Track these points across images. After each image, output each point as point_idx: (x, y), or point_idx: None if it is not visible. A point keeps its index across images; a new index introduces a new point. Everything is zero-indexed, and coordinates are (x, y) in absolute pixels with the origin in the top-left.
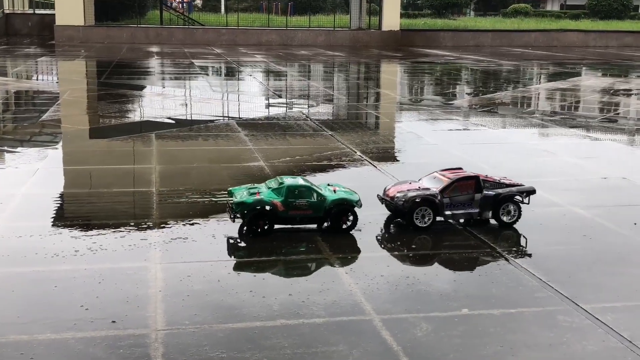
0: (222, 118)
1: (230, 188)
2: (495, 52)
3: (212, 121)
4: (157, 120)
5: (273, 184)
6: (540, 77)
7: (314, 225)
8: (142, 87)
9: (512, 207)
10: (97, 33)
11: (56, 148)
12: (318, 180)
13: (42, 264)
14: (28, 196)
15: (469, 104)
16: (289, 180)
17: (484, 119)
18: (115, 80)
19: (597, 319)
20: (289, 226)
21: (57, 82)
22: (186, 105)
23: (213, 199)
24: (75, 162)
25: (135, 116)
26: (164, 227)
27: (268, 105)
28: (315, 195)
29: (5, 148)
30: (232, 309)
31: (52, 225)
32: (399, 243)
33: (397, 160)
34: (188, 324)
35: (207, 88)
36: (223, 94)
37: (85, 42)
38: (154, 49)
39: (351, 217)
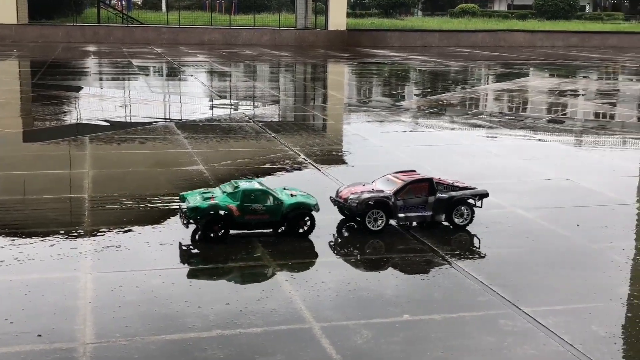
0: (161, 120)
1: (183, 193)
2: (443, 52)
3: (150, 123)
4: (93, 122)
5: (228, 188)
6: (487, 77)
7: (270, 230)
8: (78, 88)
9: (465, 209)
10: (30, 32)
11: None
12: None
13: None
14: None
15: (416, 105)
16: (244, 184)
17: (431, 120)
18: (49, 81)
19: (539, 322)
20: (245, 231)
21: None
22: (124, 106)
23: (149, 204)
24: (5, 167)
25: (70, 119)
26: (95, 235)
27: (210, 107)
28: (271, 199)
29: None
30: (166, 319)
31: None
32: (345, 248)
33: (343, 163)
34: (119, 337)
35: (146, 89)
36: (163, 95)
37: (18, 42)
38: (91, 48)
39: (309, 222)
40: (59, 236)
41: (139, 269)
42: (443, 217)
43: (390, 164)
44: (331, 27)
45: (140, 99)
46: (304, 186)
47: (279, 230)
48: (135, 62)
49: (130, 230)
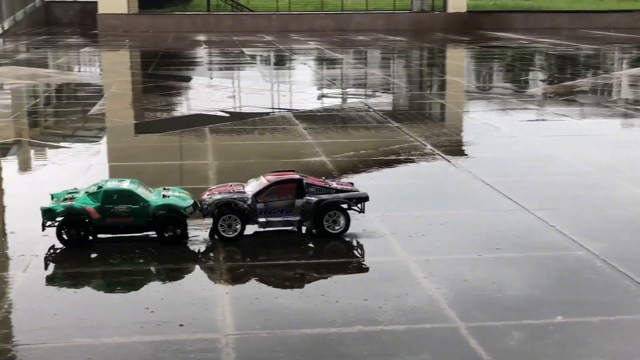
0: (278, 110)
1: (52, 192)
2: (573, 35)
3: (267, 113)
4: (210, 113)
5: (93, 188)
6: (623, 62)
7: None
8: (191, 79)
9: (338, 215)
10: (141, 21)
11: (107, 143)
12: (394, 176)
13: (105, 265)
14: None
15: (545, 92)
16: (108, 184)
17: (563, 108)
18: (163, 72)
19: None
20: (115, 235)
21: (102, 74)
22: (239, 97)
23: None
24: (128, 158)
25: (186, 109)
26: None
27: (326, 96)
28: (137, 200)
29: (56, 144)
30: (305, 313)
31: None
32: (483, 245)
33: (474, 154)
34: (259, 329)
35: (260, 78)
36: (277, 84)
37: (129, 32)
38: (202, 37)
39: (181, 226)
40: (190, 227)
41: (270, 260)
42: (311, 223)
43: (525, 155)
44: (450, 9)
45: (254, 88)
46: (434, 179)
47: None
48: (247, 50)
49: None
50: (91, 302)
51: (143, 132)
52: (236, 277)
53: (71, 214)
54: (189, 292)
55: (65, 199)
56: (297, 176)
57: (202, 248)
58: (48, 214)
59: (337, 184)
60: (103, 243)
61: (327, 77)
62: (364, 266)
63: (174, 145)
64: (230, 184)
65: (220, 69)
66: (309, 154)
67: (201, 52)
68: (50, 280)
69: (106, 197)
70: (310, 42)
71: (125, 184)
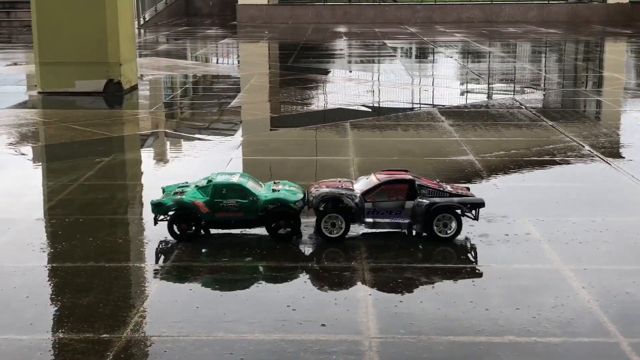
0: (422, 105)
1: (163, 185)
2: None
3: (410, 109)
4: (351, 107)
5: (203, 182)
6: None
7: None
8: (331, 72)
9: (449, 219)
10: (280, 12)
11: (246, 137)
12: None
13: (238, 260)
14: None
15: None
16: (218, 178)
17: None
18: (303, 64)
19: None
20: (226, 231)
21: (241, 66)
22: (381, 91)
23: None
24: (269, 152)
25: (326, 103)
26: None
27: (472, 91)
28: (247, 195)
29: (194, 136)
30: (451, 320)
31: None
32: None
33: (637, 157)
34: (404, 333)
35: (403, 72)
36: (420, 78)
37: (268, 23)
38: (342, 29)
39: (292, 221)
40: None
41: (413, 262)
42: (420, 226)
43: None
44: (611, 0)
45: (397, 82)
46: (590, 181)
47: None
48: (389, 43)
49: None
50: (231, 297)
51: (282, 125)
52: (378, 279)
53: (181, 208)
54: (329, 291)
55: (175, 193)
56: (409, 177)
57: (325, 246)
58: (158, 207)
59: (452, 187)
60: (223, 237)
61: (474, 71)
62: (515, 273)
63: (313, 140)
64: (339, 179)
65: (361, 62)
66: (456, 152)
67: (341, 44)
68: (189, 272)
69: (215, 191)
70: (456, 34)
71: (235, 178)
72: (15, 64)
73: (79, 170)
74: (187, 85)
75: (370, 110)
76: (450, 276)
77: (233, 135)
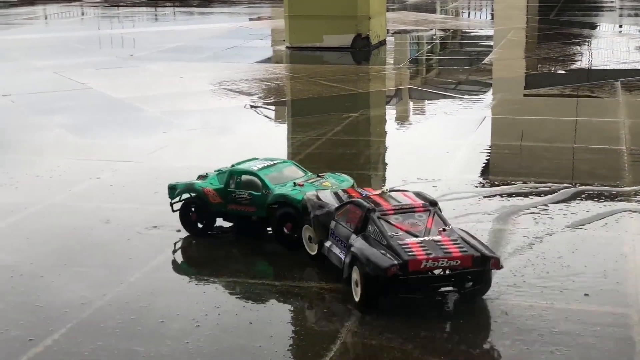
0: None
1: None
2: None
3: None
4: (621, 66)
5: (229, 166)
6: None
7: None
8: (599, 26)
9: None
10: None
11: (501, 95)
12: None
13: None
14: (474, 146)
15: None
16: (242, 165)
17: None
18: (566, 18)
19: None
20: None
21: (495, 20)
22: None
23: None
24: (525, 112)
25: (592, 60)
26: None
27: None
28: (260, 186)
29: (445, 93)
30: None
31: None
32: None
33: None
34: None
35: None
36: None
37: None
38: None
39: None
40: (597, 190)
41: None
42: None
43: None
44: None
45: None
46: None
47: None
48: None
49: None
50: None
51: (540, 84)
52: None
53: (190, 194)
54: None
55: (199, 177)
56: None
57: None
58: (171, 191)
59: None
60: None
61: None
62: None
63: (576, 101)
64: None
65: (635, 15)
66: None
67: None
68: None
69: (230, 179)
70: None
71: (258, 165)
72: (260, 18)
73: (327, 125)
74: (436, 41)
75: None
76: None
77: (485, 93)
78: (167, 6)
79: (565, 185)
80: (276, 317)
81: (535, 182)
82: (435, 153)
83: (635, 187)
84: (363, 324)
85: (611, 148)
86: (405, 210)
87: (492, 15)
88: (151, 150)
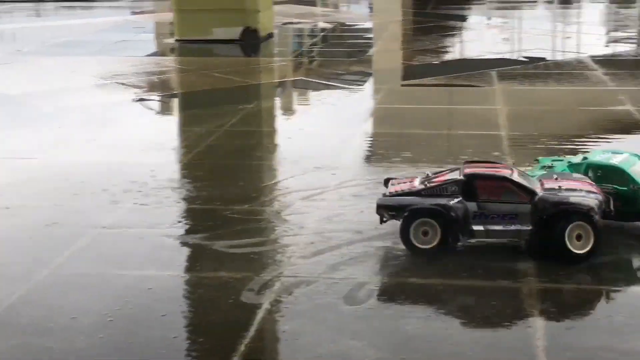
0: (570, 53)
1: (539, 157)
2: None
3: (560, 57)
4: (495, 56)
5: (577, 158)
6: None
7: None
8: (473, 19)
9: None
10: None
11: (382, 85)
12: None
13: None
14: (363, 135)
15: None
16: (596, 157)
17: None
18: (443, 11)
19: None
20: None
21: (375, 13)
22: (525, 39)
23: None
24: (405, 101)
25: (468, 51)
26: None
27: (628, 39)
28: (627, 181)
29: (330, 84)
30: None
31: None
32: None
33: None
34: None
35: (546, 19)
36: (566, 25)
37: None
38: None
39: None
40: None
41: None
42: None
43: None
44: None
45: (542, 29)
46: None
47: None
48: None
49: None
50: None
51: (420, 74)
52: None
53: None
54: None
55: (543, 167)
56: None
57: None
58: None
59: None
60: None
61: (626, 17)
62: None
63: (455, 89)
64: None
65: (504, 9)
66: (611, 102)
67: None
68: None
69: (588, 172)
70: None
71: (618, 159)
72: (143, 12)
73: (224, 116)
74: (321, 33)
75: (517, 59)
76: None
77: (366, 84)
78: (47, 1)
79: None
80: (188, 308)
81: (425, 167)
82: (328, 142)
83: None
84: (273, 312)
85: (492, 134)
86: None
87: (371, 8)
88: (49, 146)
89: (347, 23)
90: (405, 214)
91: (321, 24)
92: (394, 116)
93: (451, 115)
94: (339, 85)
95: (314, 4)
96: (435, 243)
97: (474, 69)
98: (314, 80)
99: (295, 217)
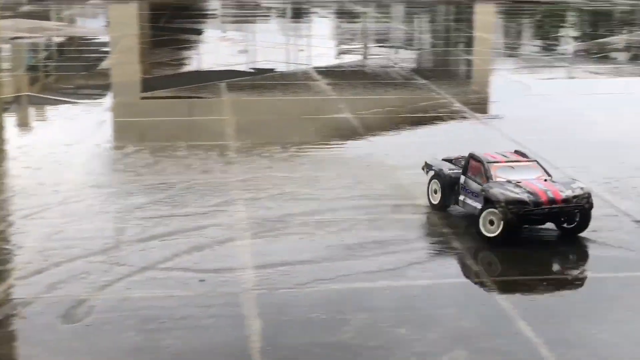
0: (297, 65)
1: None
2: None
3: (286, 69)
4: (226, 68)
5: None
6: None
7: None
8: (206, 32)
9: None
10: None
11: (120, 99)
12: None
13: None
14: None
15: (578, 49)
16: None
17: (597, 66)
18: (177, 25)
19: None
20: None
21: (110, 27)
22: (255, 51)
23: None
24: (142, 114)
25: (202, 64)
26: None
27: (348, 52)
28: None
29: (64, 99)
30: None
31: None
32: None
33: (503, 113)
34: None
35: (277, 32)
36: (296, 38)
37: None
38: None
39: None
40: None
41: None
42: None
43: (556, 113)
44: None
45: (272, 42)
46: (464, 137)
47: None
48: (264, 3)
49: None
50: None
51: (155, 87)
52: None
53: None
54: None
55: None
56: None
57: None
58: None
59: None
60: None
61: (351, 31)
62: None
63: (189, 101)
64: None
65: (237, 22)
66: (333, 110)
67: (215, 5)
68: None
69: None
70: None
71: None
72: None
73: None
74: (53, 48)
75: (246, 70)
76: None
77: (104, 97)
78: None
79: (181, 180)
80: None
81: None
82: (59, 158)
83: (241, 177)
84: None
85: (219, 144)
86: None
87: (107, 22)
88: None
89: (84, 37)
90: None
91: (55, 39)
92: (130, 129)
93: (179, 127)
94: (72, 100)
95: (47, 19)
96: None
97: (205, 81)
98: (47, 95)
99: (14, 236)
